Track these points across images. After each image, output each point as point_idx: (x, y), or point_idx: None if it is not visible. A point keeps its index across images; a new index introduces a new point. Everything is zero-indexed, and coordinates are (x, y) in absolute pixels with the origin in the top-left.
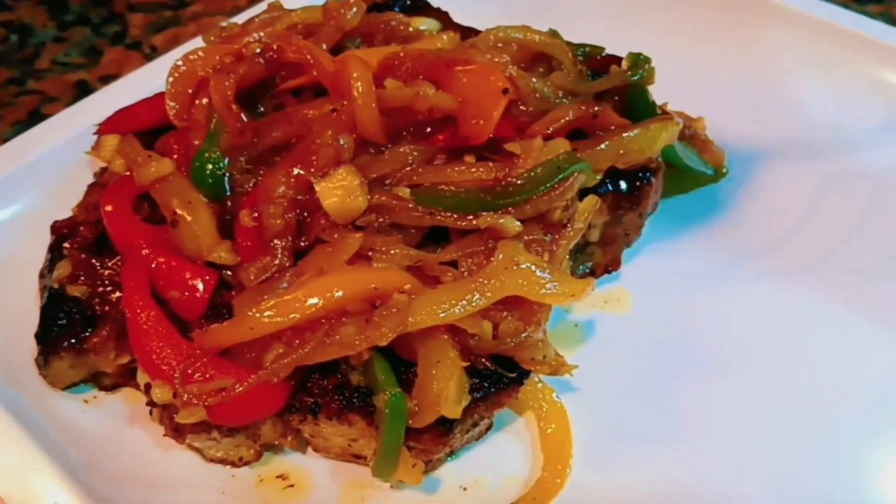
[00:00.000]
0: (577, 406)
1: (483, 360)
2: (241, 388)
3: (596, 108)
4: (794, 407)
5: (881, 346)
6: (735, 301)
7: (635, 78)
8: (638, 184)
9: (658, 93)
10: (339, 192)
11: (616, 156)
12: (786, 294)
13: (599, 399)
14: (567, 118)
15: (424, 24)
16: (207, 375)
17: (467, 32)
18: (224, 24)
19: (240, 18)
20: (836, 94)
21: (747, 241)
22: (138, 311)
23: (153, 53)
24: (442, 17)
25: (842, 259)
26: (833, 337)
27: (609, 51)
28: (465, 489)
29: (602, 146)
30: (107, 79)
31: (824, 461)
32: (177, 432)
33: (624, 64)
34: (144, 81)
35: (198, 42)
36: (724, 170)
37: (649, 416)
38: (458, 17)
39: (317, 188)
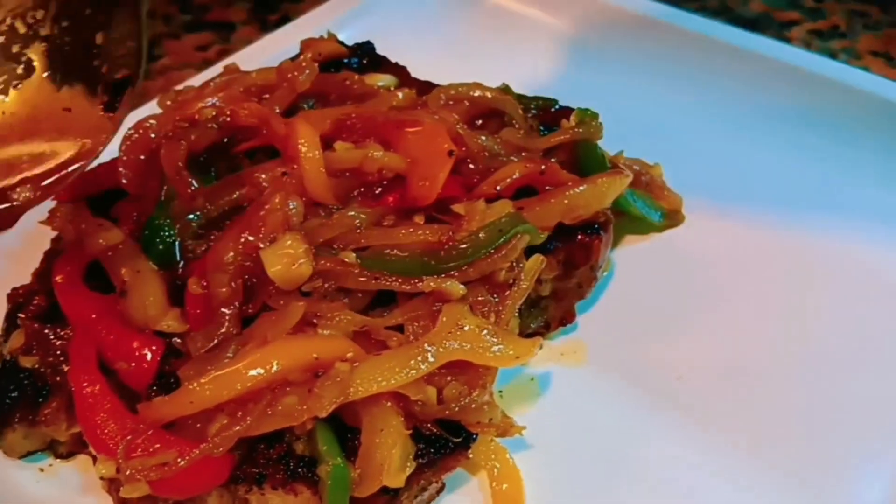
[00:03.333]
0: (532, 463)
1: (429, 424)
2: (183, 463)
3: (543, 167)
4: (757, 454)
5: (840, 390)
6: (693, 348)
7: (583, 133)
8: (588, 239)
9: (615, 140)
10: (285, 259)
11: (564, 212)
12: (745, 340)
13: (554, 456)
14: (514, 176)
15: (382, 80)
16: (150, 450)
17: (424, 87)
18: (180, 87)
19: (204, 74)
20: (796, 136)
21: (705, 287)
22: (84, 384)
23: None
24: (400, 72)
25: (803, 303)
26: (793, 383)
27: (566, 100)
28: None
29: (550, 202)
30: None
31: None
32: None
33: (572, 120)
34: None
35: (155, 105)
36: (681, 216)
37: (606, 472)
38: (416, 73)
39: (262, 256)
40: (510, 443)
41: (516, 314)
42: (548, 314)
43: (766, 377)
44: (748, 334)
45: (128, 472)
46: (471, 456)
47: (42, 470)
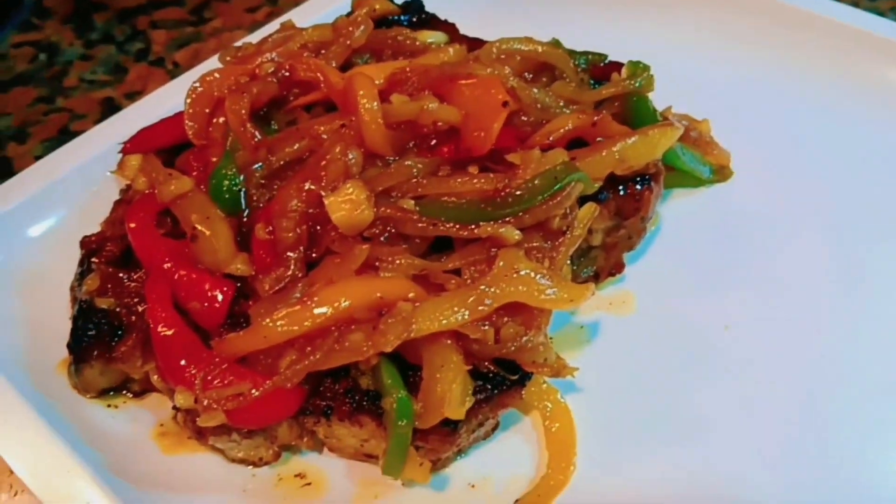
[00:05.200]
0: (582, 406)
1: (486, 363)
2: (257, 393)
3: (595, 117)
4: (800, 406)
5: (888, 347)
6: (740, 301)
7: (635, 86)
8: (638, 189)
9: (663, 96)
10: (347, 205)
11: (615, 163)
12: (792, 294)
13: (603, 399)
14: (566, 128)
15: (432, 37)
16: (226, 382)
17: (474, 44)
18: (239, 44)
19: (258, 34)
20: (845, 92)
21: (752, 242)
22: (161, 322)
23: (175, 69)
24: (449, 29)
25: (850, 259)
26: (839, 337)
27: (614, 56)
28: (473, 486)
29: (602, 153)
30: (132, 95)
31: (829, 460)
32: (199, 434)
33: (623, 72)
34: (167, 98)
35: (216, 61)
36: (729, 171)
37: (653, 416)
38: (465, 29)
39: (326, 202)
40: (560, 386)
41: (568, 262)
42: (597, 264)
43: (814, 331)
44: (796, 288)
45: (205, 402)
46: (524, 396)
47: (116, 406)
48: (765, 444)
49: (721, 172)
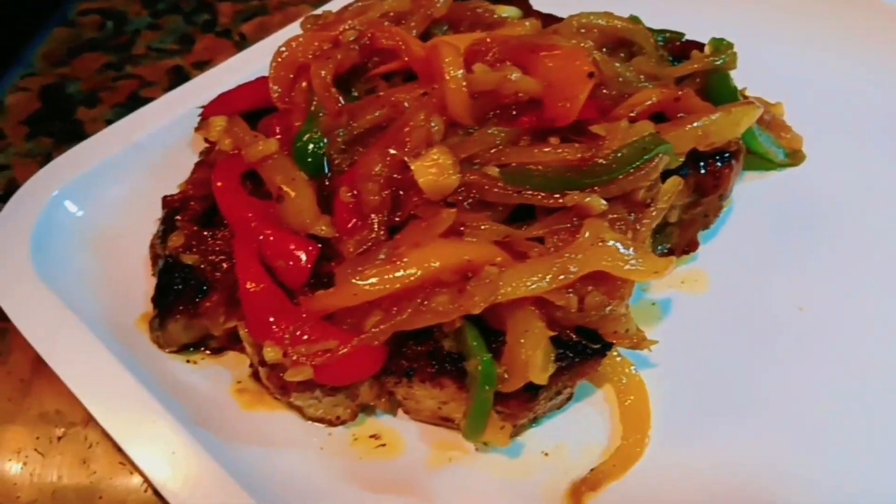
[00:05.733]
0: (654, 381)
1: (568, 331)
2: (345, 350)
3: (679, 92)
4: (874, 391)
5: None
6: (813, 283)
7: (718, 63)
8: (719, 166)
9: (736, 78)
10: (434, 170)
11: (698, 138)
12: (866, 277)
13: (676, 375)
14: (650, 101)
15: (507, 11)
16: (314, 337)
17: (547, 19)
18: (319, 12)
19: (330, 5)
20: None
21: (825, 226)
22: (250, 278)
23: (242, 41)
24: (522, 4)
25: None
26: None
27: (688, 36)
28: (546, 455)
29: (686, 128)
30: (200, 65)
31: None
32: (283, 390)
33: (707, 49)
34: (236, 68)
35: (287, 30)
36: (802, 154)
37: (725, 394)
38: (536, 4)
39: (412, 167)
40: (633, 359)
41: (649, 235)
42: (672, 241)
43: (888, 314)
44: (870, 272)
45: (294, 357)
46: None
47: (195, 362)
48: (840, 429)
49: (794, 156)
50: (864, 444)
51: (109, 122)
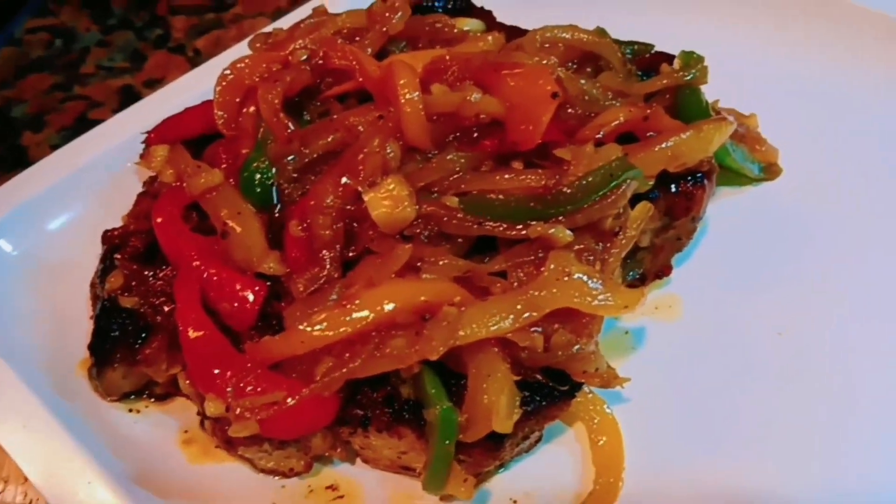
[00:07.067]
0: (628, 417)
1: (534, 372)
2: (293, 402)
3: (647, 111)
4: (856, 417)
5: None
6: (791, 306)
7: (688, 78)
8: (691, 187)
9: (707, 89)
10: (388, 202)
11: (668, 160)
12: (843, 297)
13: (651, 410)
14: (617, 121)
15: (469, 24)
16: (259, 389)
17: (512, 32)
18: (269, 29)
19: (281, 21)
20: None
21: (804, 243)
22: (191, 324)
23: (196, 57)
24: (486, 16)
25: None
26: (893, 344)
27: (656, 45)
28: (515, 502)
29: (655, 149)
30: (151, 83)
31: (884, 471)
32: (228, 444)
33: (676, 63)
34: (189, 87)
35: (241, 46)
36: (778, 168)
37: (702, 428)
38: (501, 17)
39: (365, 198)
40: (605, 395)
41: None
42: (644, 266)
43: (871, 336)
44: (852, 291)
45: (237, 411)
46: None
47: (138, 411)
48: (823, 457)
49: (769, 170)
50: (846, 471)
51: (55, 146)
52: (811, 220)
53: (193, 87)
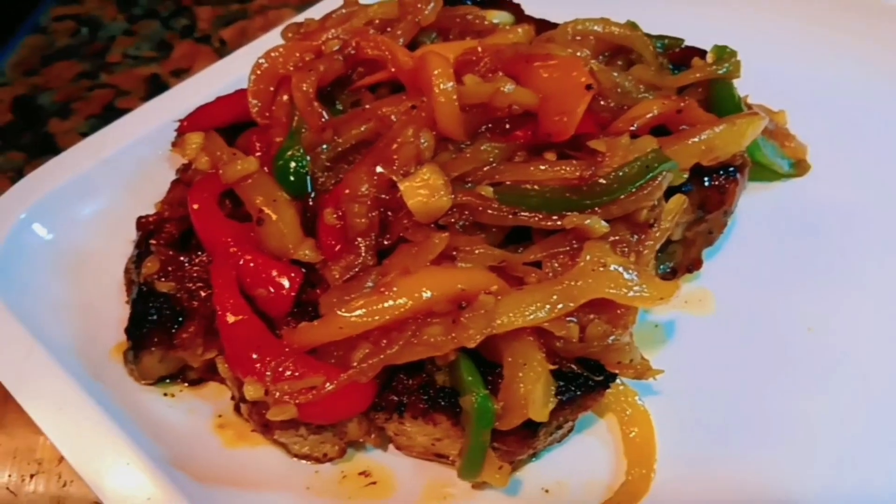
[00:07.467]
0: (660, 409)
1: (568, 362)
2: (331, 387)
3: (681, 104)
4: (890, 413)
5: None
6: (822, 301)
7: (721, 72)
8: (724, 181)
9: (737, 85)
10: (424, 191)
11: (702, 153)
12: (873, 293)
13: (682, 402)
14: (652, 114)
15: (498, 17)
16: (298, 374)
17: (541, 25)
18: (301, 20)
19: (311, 11)
20: None
21: (833, 239)
22: (230, 309)
23: (222, 47)
24: (515, 9)
25: None
26: None
27: (686, 41)
28: (547, 491)
29: (689, 142)
30: (178, 72)
31: None
32: (265, 428)
33: (709, 57)
34: (217, 77)
35: (268, 37)
36: (807, 164)
37: (734, 421)
38: (530, 10)
39: (400, 187)
40: (637, 387)
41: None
42: (675, 260)
43: None
44: (881, 287)
45: (277, 395)
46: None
47: (172, 395)
48: (854, 450)
49: (799, 166)
50: (882, 469)
51: (83, 134)
52: (840, 217)
53: (220, 77)
